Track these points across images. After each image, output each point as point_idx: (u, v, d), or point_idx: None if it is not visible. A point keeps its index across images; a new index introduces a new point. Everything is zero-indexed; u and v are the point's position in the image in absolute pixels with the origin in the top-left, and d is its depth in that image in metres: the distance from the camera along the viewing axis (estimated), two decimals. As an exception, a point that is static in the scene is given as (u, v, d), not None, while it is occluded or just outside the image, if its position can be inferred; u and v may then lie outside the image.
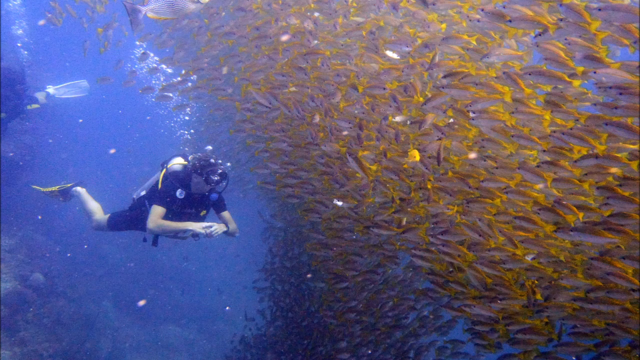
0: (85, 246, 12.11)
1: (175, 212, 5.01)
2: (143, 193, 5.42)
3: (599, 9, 2.84)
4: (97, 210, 5.90)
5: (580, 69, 3.12)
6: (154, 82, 11.74)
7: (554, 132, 3.25)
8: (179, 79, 6.17)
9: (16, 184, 10.52)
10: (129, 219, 5.51)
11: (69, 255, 10.99)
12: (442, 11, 3.95)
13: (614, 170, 3.08)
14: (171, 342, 11.09)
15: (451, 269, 4.12)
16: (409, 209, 4.15)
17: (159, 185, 5.07)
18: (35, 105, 8.75)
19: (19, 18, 14.36)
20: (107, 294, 11.34)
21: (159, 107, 14.90)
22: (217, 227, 4.82)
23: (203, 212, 5.21)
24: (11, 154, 10.46)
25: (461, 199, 3.80)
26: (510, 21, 3.22)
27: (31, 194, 8.44)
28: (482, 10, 3.34)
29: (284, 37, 4.77)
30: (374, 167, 4.19)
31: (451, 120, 3.84)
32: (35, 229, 10.56)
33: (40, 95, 9.05)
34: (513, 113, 3.39)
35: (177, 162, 5.21)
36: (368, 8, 4.45)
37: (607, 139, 3.13)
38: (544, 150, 3.32)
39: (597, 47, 3.02)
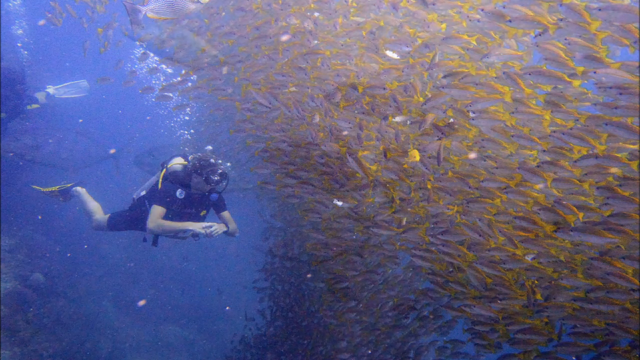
0: (85, 246, 12.11)
1: (175, 212, 5.01)
2: (143, 193, 5.43)
3: (599, 9, 2.84)
4: (97, 210, 5.91)
5: (580, 69, 3.12)
6: (154, 82, 11.74)
7: (554, 132, 3.25)
8: (179, 79, 6.17)
9: (16, 184, 10.52)
10: (129, 219, 5.51)
11: (69, 255, 10.99)
12: (442, 11, 3.95)
13: (614, 170, 3.08)
14: (171, 342, 11.08)
15: (451, 269, 4.12)
16: (409, 209, 4.15)
17: (159, 185, 5.07)
18: (35, 105, 8.76)
19: (19, 18, 14.36)
20: (107, 294, 11.34)
21: (159, 107, 14.91)
22: (217, 227, 4.82)
23: (203, 212, 5.22)
24: (11, 154, 10.46)
25: (461, 199, 3.80)
26: (510, 21, 3.22)
27: (31, 194, 8.44)
28: (482, 10, 3.34)
29: (284, 37, 4.77)
30: (374, 167, 4.19)
31: (451, 120, 3.84)
32: (35, 229, 10.56)
33: (40, 95, 9.06)
34: (513, 113, 3.39)
35: (177, 162, 5.22)
36: (368, 8, 4.45)
37: (607, 139, 3.14)
38: (544, 150, 3.32)
39: (597, 47, 3.02)
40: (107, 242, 13.36)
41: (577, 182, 3.24)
